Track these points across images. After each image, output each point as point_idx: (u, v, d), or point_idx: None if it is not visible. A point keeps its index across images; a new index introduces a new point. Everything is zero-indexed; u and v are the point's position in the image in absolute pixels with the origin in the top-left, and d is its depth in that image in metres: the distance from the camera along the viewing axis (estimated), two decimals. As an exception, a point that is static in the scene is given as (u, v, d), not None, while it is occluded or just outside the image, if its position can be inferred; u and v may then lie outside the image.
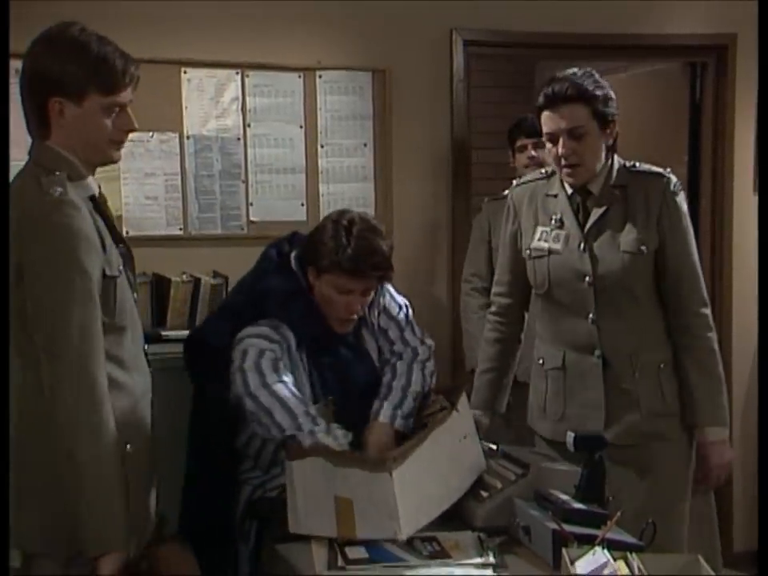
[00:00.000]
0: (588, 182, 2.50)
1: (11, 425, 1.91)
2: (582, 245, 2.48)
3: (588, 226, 2.49)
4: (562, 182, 2.54)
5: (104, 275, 1.92)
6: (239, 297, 2.56)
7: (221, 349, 2.39)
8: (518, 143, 3.66)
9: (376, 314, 2.58)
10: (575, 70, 2.49)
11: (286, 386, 2.33)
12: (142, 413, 2.05)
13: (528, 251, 2.58)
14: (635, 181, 2.49)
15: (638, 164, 2.54)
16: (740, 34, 4.02)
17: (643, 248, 2.44)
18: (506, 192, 3.53)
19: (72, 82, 1.89)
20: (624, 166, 2.53)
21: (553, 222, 2.54)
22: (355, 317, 2.45)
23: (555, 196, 2.56)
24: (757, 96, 2.57)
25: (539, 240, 2.55)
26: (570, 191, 2.53)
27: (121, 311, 1.99)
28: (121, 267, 2.00)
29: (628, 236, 2.45)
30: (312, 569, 1.98)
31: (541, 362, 2.63)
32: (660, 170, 2.53)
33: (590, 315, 2.48)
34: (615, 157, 2.54)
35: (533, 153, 3.61)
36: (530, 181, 2.66)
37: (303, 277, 2.45)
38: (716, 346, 2.52)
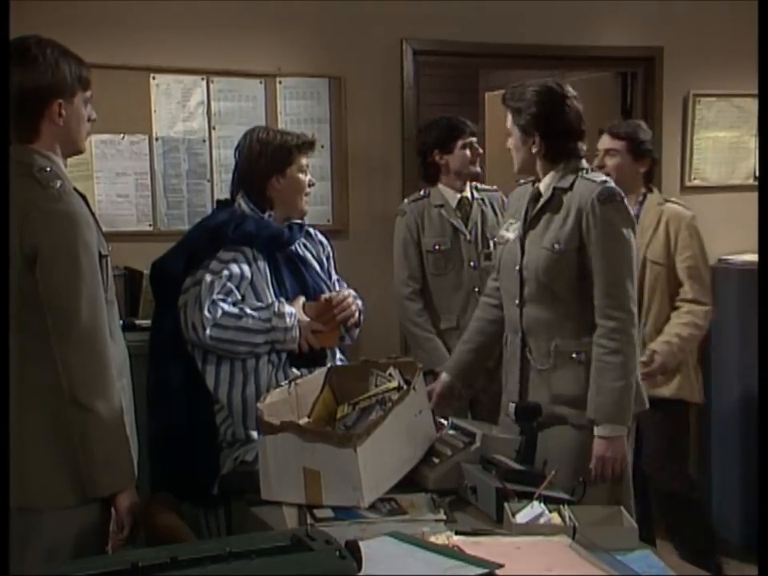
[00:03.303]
0: (540, 182, 2.67)
1: (14, 392, 2.05)
2: (521, 238, 2.66)
3: (528, 222, 2.65)
4: (533, 183, 2.71)
5: (99, 254, 2.12)
6: (194, 233, 2.85)
7: (177, 276, 2.71)
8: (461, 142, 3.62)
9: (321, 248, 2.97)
10: (538, 81, 2.64)
11: (239, 313, 2.66)
12: (125, 377, 2.26)
13: (495, 239, 2.81)
14: (576, 186, 2.58)
15: (590, 172, 2.62)
16: (666, 47, 4.29)
17: (557, 246, 2.55)
18: (423, 192, 3.68)
19: (67, 84, 2.12)
20: (577, 172, 2.60)
21: (518, 216, 2.74)
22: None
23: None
24: (759, 94, 2.73)
25: (504, 230, 2.77)
26: (534, 192, 2.71)
27: (111, 287, 2.20)
28: (110, 248, 2.21)
29: (549, 234, 2.58)
30: (284, 526, 2.15)
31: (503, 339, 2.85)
32: (600, 178, 2.60)
33: (516, 301, 2.66)
34: (571, 162, 2.61)
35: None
36: (528, 182, 2.79)
37: (256, 208, 2.79)
38: (628, 350, 2.52)
